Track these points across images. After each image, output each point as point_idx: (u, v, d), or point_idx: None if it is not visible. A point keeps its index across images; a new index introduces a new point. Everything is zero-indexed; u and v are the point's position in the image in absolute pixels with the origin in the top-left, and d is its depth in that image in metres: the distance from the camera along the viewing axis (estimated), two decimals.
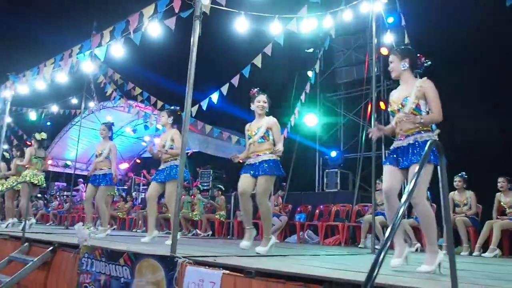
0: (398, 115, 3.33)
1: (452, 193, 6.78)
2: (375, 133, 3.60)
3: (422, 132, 3.23)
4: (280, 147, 4.33)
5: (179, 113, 5.86)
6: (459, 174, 6.83)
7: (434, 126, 3.43)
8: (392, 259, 3.15)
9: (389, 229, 1.50)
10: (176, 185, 5.41)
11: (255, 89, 4.58)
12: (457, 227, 6.42)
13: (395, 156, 3.34)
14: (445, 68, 7.83)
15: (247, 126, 4.63)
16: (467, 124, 7.83)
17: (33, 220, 7.25)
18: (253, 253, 4.10)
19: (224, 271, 2.92)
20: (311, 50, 11.66)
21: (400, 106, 3.34)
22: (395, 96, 3.45)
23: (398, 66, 3.40)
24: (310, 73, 10.88)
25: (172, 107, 5.79)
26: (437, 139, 3.13)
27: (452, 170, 6.57)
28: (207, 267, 3.06)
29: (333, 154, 11.13)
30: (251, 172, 4.36)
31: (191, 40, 3.80)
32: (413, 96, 3.27)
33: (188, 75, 3.77)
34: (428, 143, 1.97)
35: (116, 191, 14.37)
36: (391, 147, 3.44)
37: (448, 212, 2.50)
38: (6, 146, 11.13)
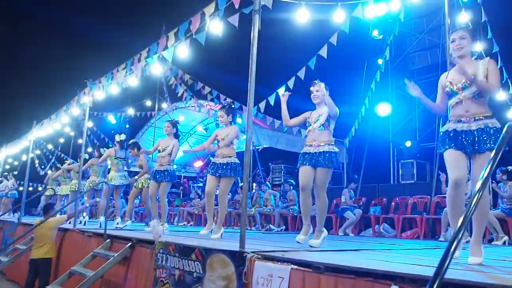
0: (463, 93, 3.18)
1: None
2: (412, 90, 3.43)
3: (491, 118, 3.10)
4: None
5: (233, 106, 5.92)
6: None
7: None
8: (472, 257, 2.91)
9: (460, 220, 1.36)
10: (230, 183, 5.51)
11: (314, 81, 4.56)
12: None
13: (459, 138, 3.13)
14: None
15: (307, 114, 4.56)
16: None
17: (119, 219, 7.60)
18: (322, 248, 4.02)
19: (293, 266, 2.87)
20: (380, 36, 11.22)
21: (466, 83, 3.18)
22: (454, 76, 3.30)
23: (469, 45, 3.28)
24: (380, 61, 10.51)
25: (226, 105, 5.82)
26: None
27: None
28: (275, 262, 3.03)
29: (408, 144, 10.63)
30: (312, 162, 4.27)
31: (251, 35, 3.79)
32: (481, 74, 3.14)
33: (250, 70, 3.74)
34: (506, 126, 1.77)
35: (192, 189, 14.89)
36: (450, 129, 3.22)
37: None
38: (90, 150, 11.94)
